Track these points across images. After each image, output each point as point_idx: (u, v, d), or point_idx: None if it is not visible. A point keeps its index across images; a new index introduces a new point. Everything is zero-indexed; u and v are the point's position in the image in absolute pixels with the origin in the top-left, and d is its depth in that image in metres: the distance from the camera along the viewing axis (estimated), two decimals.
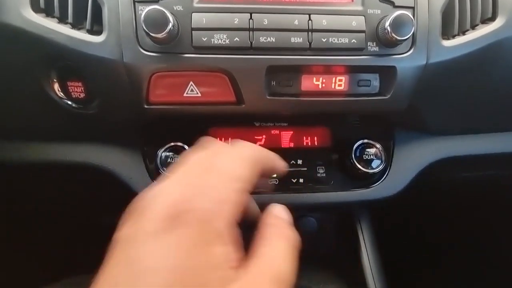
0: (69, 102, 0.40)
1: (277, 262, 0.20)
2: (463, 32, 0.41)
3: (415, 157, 0.49)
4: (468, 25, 0.40)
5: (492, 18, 0.41)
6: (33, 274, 0.57)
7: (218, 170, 0.21)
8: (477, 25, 0.41)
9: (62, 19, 0.36)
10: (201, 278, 0.17)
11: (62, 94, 0.40)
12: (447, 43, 0.39)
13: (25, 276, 0.57)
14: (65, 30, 0.36)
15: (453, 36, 0.40)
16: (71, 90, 0.40)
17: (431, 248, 0.71)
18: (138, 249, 0.18)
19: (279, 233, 0.22)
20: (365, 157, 0.46)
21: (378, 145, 0.47)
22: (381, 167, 0.46)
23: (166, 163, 0.44)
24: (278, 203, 0.46)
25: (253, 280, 0.18)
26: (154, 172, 0.45)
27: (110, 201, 0.60)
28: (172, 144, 0.44)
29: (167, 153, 0.44)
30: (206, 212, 0.19)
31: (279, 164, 0.27)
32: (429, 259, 0.72)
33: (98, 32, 0.36)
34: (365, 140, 0.47)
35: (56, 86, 0.40)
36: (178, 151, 0.44)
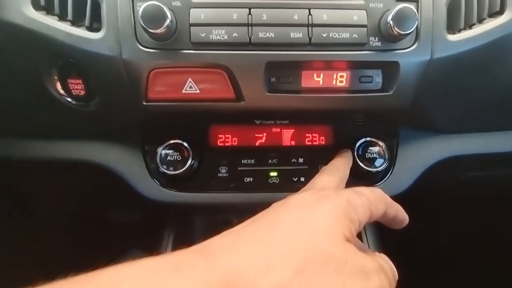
0: (70, 99, 0.41)
1: None
2: (469, 26, 0.39)
3: (420, 155, 0.48)
4: (475, 19, 0.39)
5: (500, 12, 0.39)
6: (32, 273, 0.57)
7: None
8: (484, 19, 0.39)
9: (62, 17, 0.36)
10: None
11: (63, 92, 0.40)
12: (452, 37, 0.38)
13: (24, 276, 0.58)
14: (65, 27, 0.36)
15: (459, 31, 0.39)
16: (71, 88, 0.40)
17: (435, 250, 0.69)
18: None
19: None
20: (368, 155, 0.46)
21: (381, 143, 0.46)
22: (384, 165, 0.45)
23: (165, 161, 0.43)
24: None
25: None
26: (154, 170, 0.45)
27: (110, 199, 0.61)
28: (172, 142, 0.44)
29: (167, 151, 0.44)
30: None
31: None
32: (434, 262, 0.70)
33: (98, 29, 0.36)
34: (368, 138, 0.46)
35: (57, 84, 0.40)
36: (178, 148, 0.44)
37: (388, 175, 0.47)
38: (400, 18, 0.33)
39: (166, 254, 0.22)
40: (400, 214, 0.33)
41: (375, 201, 0.29)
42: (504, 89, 0.43)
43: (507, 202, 0.61)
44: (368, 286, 0.22)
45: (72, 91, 0.40)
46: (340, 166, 0.40)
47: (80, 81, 0.40)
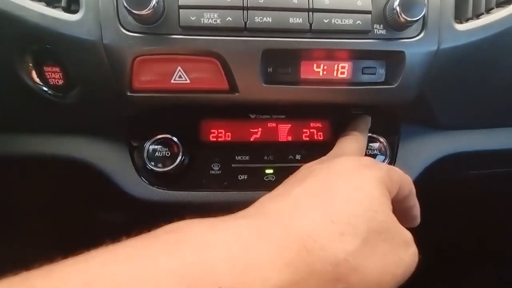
0: (46, 89, 0.37)
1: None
2: (477, 15, 0.37)
3: (422, 152, 0.46)
4: (483, 8, 0.37)
5: (508, 1, 0.38)
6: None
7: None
8: (492, 8, 0.38)
9: None
10: None
11: (38, 81, 0.37)
12: (460, 27, 0.36)
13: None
14: (39, 7, 0.32)
15: (467, 20, 0.37)
16: (48, 76, 0.36)
17: (435, 249, 0.68)
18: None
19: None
20: (368, 152, 0.44)
21: (382, 139, 0.44)
22: (385, 163, 0.43)
23: (154, 157, 0.40)
24: None
25: None
26: (141, 167, 0.42)
27: (95, 198, 0.57)
28: (161, 136, 0.41)
29: (155, 146, 0.41)
30: None
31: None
32: (435, 262, 0.69)
33: (76, 11, 0.33)
34: (369, 134, 0.44)
35: (32, 72, 0.36)
36: (167, 144, 0.41)
37: None
38: (408, 4, 0.31)
39: (236, 216, 0.23)
40: (416, 210, 0.33)
41: (405, 181, 0.30)
42: (510, 83, 0.41)
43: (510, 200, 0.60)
44: (409, 254, 0.25)
45: (49, 80, 0.37)
46: (362, 130, 0.40)
47: (57, 69, 0.36)
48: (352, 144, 0.37)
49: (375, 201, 0.24)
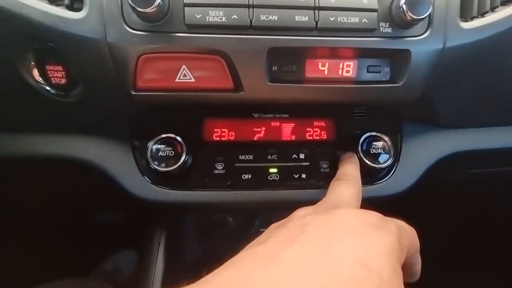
0: (49, 89, 0.36)
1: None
2: (482, 14, 0.37)
3: (425, 151, 0.46)
4: (488, 7, 0.37)
5: None
6: (15, 277, 0.53)
7: None
8: (497, 6, 0.37)
9: None
10: None
11: (41, 80, 0.36)
12: (465, 25, 0.36)
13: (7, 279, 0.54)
14: (42, 5, 0.32)
15: (472, 18, 0.37)
16: (50, 75, 0.36)
17: (436, 248, 0.68)
18: None
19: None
20: (372, 151, 0.43)
21: (386, 138, 0.44)
22: (389, 161, 0.43)
23: (157, 156, 0.40)
24: (279, 199, 0.43)
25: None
26: (144, 166, 0.42)
27: (97, 198, 0.57)
28: (164, 135, 0.41)
29: (158, 146, 0.40)
30: None
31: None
32: (434, 261, 0.69)
33: (79, 9, 0.32)
34: (373, 133, 0.44)
35: (34, 71, 0.36)
36: (170, 143, 0.41)
37: (392, 171, 0.45)
38: (414, 2, 0.31)
39: None
40: (417, 265, 0.29)
41: (413, 241, 0.26)
42: None
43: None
44: None
45: (52, 79, 0.36)
46: (355, 173, 0.37)
47: (60, 68, 0.36)
48: (348, 189, 0.33)
49: (385, 285, 0.19)
